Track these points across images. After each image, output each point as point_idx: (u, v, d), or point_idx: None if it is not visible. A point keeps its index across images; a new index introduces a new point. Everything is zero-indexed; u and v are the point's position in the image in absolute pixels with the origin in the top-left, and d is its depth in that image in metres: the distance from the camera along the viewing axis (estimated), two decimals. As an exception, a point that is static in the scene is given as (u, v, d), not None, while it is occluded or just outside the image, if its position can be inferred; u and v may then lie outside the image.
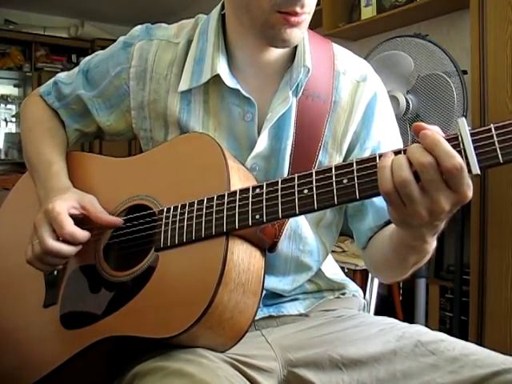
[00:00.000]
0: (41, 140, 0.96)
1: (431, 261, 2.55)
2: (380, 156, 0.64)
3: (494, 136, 0.58)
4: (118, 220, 0.83)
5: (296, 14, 0.75)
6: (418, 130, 0.62)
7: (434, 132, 0.61)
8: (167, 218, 0.78)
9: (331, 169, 0.67)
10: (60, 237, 0.78)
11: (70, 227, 0.78)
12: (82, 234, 0.80)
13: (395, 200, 0.62)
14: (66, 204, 0.80)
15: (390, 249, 0.81)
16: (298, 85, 0.85)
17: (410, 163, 0.61)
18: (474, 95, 1.99)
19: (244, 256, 0.73)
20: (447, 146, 0.59)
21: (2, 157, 5.09)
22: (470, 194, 0.60)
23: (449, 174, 0.59)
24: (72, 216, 0.80)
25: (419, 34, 2.16)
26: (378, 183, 0.62)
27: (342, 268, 2.01)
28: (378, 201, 0.87)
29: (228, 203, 0.73)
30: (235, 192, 0.73)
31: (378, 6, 2.78)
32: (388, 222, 0.87)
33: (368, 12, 2.84)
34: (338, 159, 0.90)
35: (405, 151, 0.63)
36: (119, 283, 0.79)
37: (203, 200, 0.75)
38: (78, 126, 0.99)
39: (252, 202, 0.71)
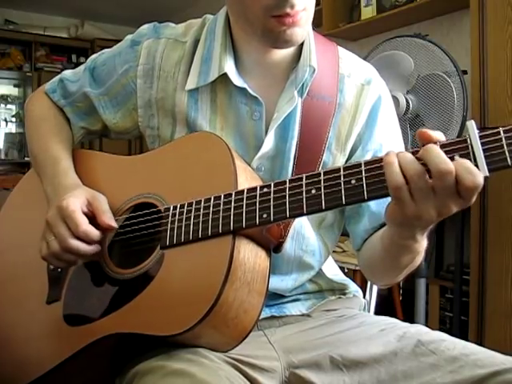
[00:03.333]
0: (47, 137, 0.96)
1: (431, 261, 2.55)
2: None
3: (503, 139, 0.59)
4: (112, 225, 0.81)
5: (288, 15, 0.75)
6: (424, 138, 0.63)
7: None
8: (173, 215, 0.78)
9: (339, 169, 0.67)
10: (74, 234, 0.78)
11: (85, 226, 0.78)
12: (96, 233, 0.80)
13: (404, 195, 0.62)
14: (78, 201, 0.80)
15: (382, 248, 0.81)
16: (303, 85, 0.85)
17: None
18: (474, 95, 1.99)
19: (250, 255, 0.73)
20: (468, 163, 0.59)
21: (2, 157, 5.09)
22: (474, 199, 0.62)
23: (465, 190, 0.60)
24: (84, 213, 0.80)
25: (419, 34, 2.16)
26: (387, 179, 0.62)
27: (342, 268, 2.02)
28: (374, 204, 0.87)
29: (235, 202, 0.73)
30: (242, 191, 0.73)
31: (378, 5, 2.78)
32: (383, 225, 0.87)
33: (368, 12, 2.84)
34: (341, 160, 0.90)
35: (417, 154, 0.63)
36: (124, 281, 0.80)
37: (210, 198, 0.75)
38: (83, 124, 1.00)
39: (259, 201, 0.71)
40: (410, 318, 2.25)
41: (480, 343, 0.87)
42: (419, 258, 0.79)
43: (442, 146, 0.62)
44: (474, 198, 0.61)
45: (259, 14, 0.76)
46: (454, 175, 0.59)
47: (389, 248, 0.78)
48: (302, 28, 0.79)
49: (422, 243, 0.74)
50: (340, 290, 1.00)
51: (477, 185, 0.59)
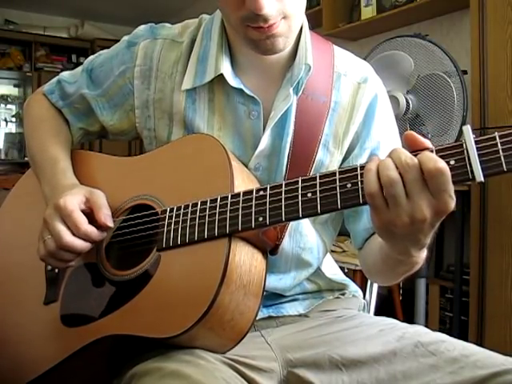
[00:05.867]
0: (46, 138, 0.96)
1: (431, 261, 2.55)
2: None
3: (499, 144, 0.58)
4: (108, 224, 0.80)
5: (263, 27, 0.75)
6: (410, 140, 0.63)
7: (421, 138, 0.62)
8: (170, 218, 0.77)
9: (335, 173, 0.67)
10: (75, 235, 0.78)
11: (85, 226, 0.78)
12: (96, 233, 0.79)
13: (379, 202, 0.62)
14: (75, 200, 0.80)
15: (380, 258, 0.82)
16: (298, 82, 0.85)
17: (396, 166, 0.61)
18: (474, 95, 1.99)
19: (246, 258, 0.73)
20: (430, 153, 0.61)
21: (2, 157, 5.10)
22: (451, 204, 0.60)
23: (429, 175, 0.59)
24: (83, 211, 0.80)
25: (419, 34, 2.16)
26: (364, 185, 0.63)
27: (342, 268, 2.02)
28: None
29: (231, 205, 0.73)
30: (238, 194, 0.73)
31: (377, 5, 2.78)
32: None
33: (368, 12, 2.84)
34: (338, 158, 0.90)
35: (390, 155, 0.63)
36: (120, 282, 0.79)
37: (206, 201, 0.75)
38: (81, 125, 1.00)
39: (255, 204, 0.71)
40: (409, 318, 2.25)
41: (480, 343, 0.87)
42: (417, 267, 0.79)
43: (438, 151, 0.61)
44: (449, 200, 0.60)
45: (238, 24, 0.76)
46: (419, 166, 0.60)
47: (386, 260, 0.79)
48: (284, 37, 0.78)
49: (420, 256, 0.73)
50: (339, 290, 1.00)
51: (438, 168, 0.59)
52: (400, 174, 0.61)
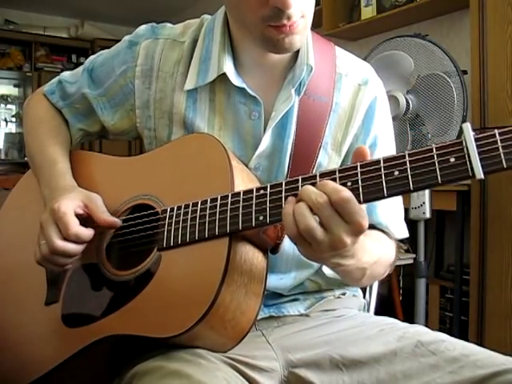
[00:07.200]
0: (45, 139, 0.96)
1: (431, 261, 2.55)
2: (387, 159, 0.64)
3: (499, 141, 0.58)
4: (116, 221, 0.82)
5: (285, 25, 0.75)
6: (360, 155, 0.66)
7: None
8: (170, 217, 0.78)
9: (335, 171, 0.67)
10: (65, 237, 0.78)
11: (75, 228, 0.78)
12: (87, 233, 0.80)
13: (302, 242, 0.65)
14: (71, 203, 0.80)
15: None
16: (300, 83, 0.85)
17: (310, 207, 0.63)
18: (473, 95, 1.99)
19: (247, 257, 0.73)
20: (334, 184, 0.63)
21: (2, 157, 5.10)
22: (364, 223, 0.62)
23: (338, 206, 0.61)
24: (78, 215, 0.80)
25: (419, 34, 2.16)
26: (285, 229, 0.65)
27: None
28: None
29: (231, 204, 0.73)
30: (239, 193, 0.73)
31: (378, 5, 2.78)
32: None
33: (368, 12, 2.84)
34: (336, 161, 0.90)
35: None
36: (121, 282, 0.79)
37: (206, 200, 0.75)
38: (81, 126, 0.99)
39: (256, 203, 0.71)
40: (410, 318, 2.25)
41: (480, 343, 0.87)
42: (367, 272, 0.79)
43: (438, 149, 0.61)
44: (361, 221, 0.62)
45: (257, 23, 0.76)
46: (329, 201, 0.62)
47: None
48: (301, 35, 0.78)
49: (359, 261, 0.72)
50: (339, 290, 1.00)
51: (343, 198, 0.61)
52: (315, 213, 0.63)
